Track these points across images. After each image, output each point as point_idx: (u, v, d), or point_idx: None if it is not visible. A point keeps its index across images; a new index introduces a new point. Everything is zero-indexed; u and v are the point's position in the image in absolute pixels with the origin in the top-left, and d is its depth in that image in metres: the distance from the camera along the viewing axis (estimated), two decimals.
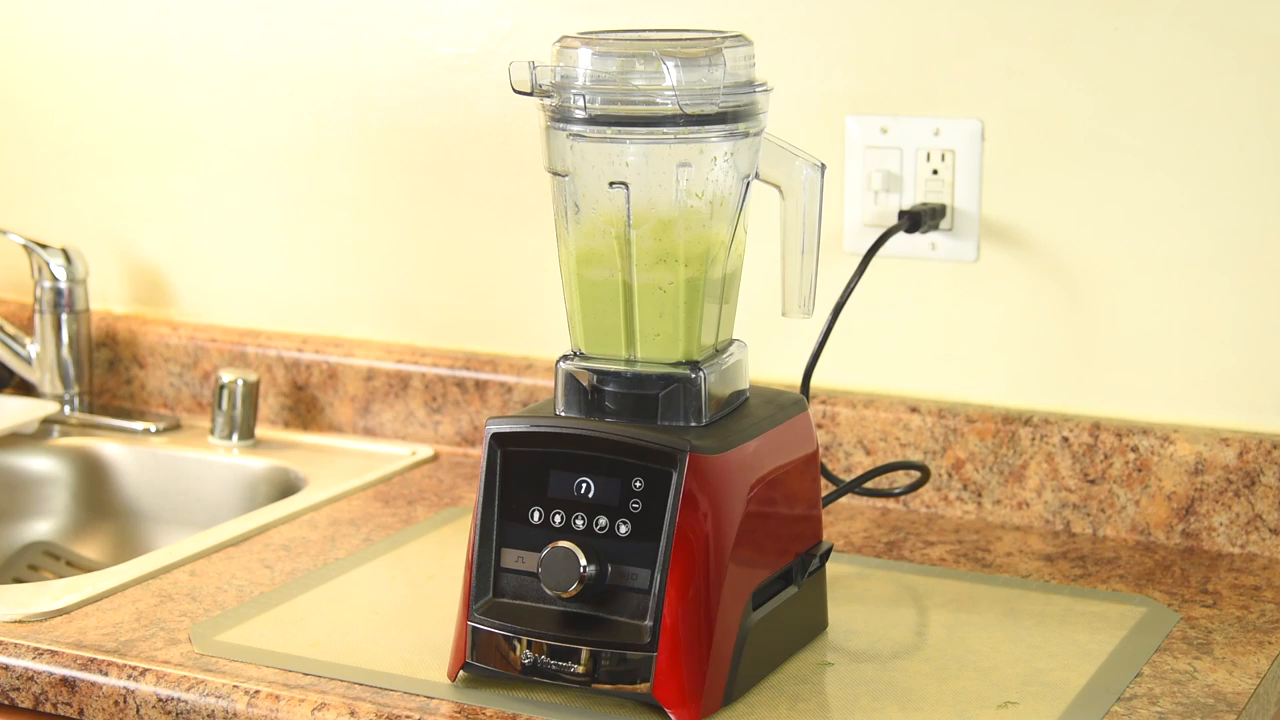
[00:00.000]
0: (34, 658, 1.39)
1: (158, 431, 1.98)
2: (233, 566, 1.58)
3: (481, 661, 1.31)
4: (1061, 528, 1.68)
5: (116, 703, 1.35)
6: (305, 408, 1.99)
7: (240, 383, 1.92)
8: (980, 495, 1.71)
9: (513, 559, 1.31)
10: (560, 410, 1.33)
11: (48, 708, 1.38)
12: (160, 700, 1.34)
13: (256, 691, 1.32)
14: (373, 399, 1.95)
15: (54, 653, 1.39)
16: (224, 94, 2.02)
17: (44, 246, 2.00)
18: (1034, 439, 1.68)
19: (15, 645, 1.40)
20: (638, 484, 1.27)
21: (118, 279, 2.11)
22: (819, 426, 1.76)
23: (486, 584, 1.31)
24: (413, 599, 1.51)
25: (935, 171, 1.71)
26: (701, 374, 1.30)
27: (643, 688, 1.26)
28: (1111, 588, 1.54)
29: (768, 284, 1.51)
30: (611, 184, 1.29)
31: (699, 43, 1.29)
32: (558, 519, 1.29)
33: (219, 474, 1.90)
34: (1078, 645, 1.41)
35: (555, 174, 1.32)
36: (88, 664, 1.37)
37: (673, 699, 1.26)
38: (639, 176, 1.29)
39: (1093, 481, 1.67)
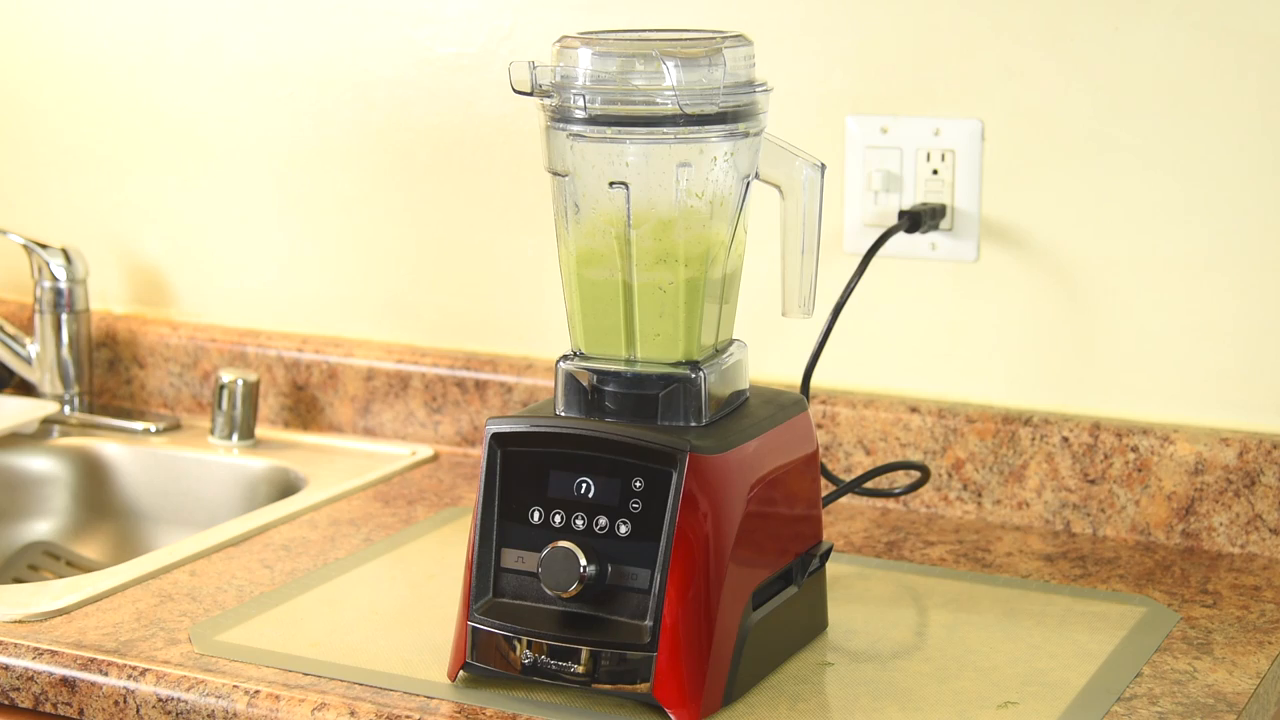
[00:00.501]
0: (34, 658, 1.39)
1: (158, 431, 1.98)
2: (233, 566, 1.58)
3: (481, 661, 1.31)
4: (1061, 528, 1.68)
5: (116, 703, 1.35)
6: (305, 408, 1.99)
7: (240, 383, 1.92)
8: (980, 495, 1.71)
9: (513, 559, 1.31)
10: (560, 410, 1.33)
11: (48, 708, 1.38)
12: (160, 700, 1.34)
13: (256, 691, 1.32)
14: (373, 399, 1.95)
15: (54, 653, 1.39)
16: (224, 94, 2.02)
17: (44, 246, 2.00)
18: (1034, 439, 1.68)
19: (15, 645, 1.40)
20: (638, 484, 1.27)
21: (118, 279, 2.11)
22: (819, 426, 1.76)
23: (486, 584, 1.31)
24: (413, 599, 1.51)
25: (935, 171, 1.71)
26: (701, 374, 1.30)
27: (643, 688, 1.26)
28: (1111, 588, 1.54)
29: (768, 284, 1.51)
30: (611, 184, 1.29)
31: (699, 43, 1.29)
32: (558, 519, 1.29)
33: (219, 474, 1.90)
34: (1078, 645, 1.41)
35: (555, 174, 1.32)
36: (88, 664, 1.37)
37: (673, 699, 1.25)
38: (639, 176, 1.28)
39: (1093, 481, 1.66)
